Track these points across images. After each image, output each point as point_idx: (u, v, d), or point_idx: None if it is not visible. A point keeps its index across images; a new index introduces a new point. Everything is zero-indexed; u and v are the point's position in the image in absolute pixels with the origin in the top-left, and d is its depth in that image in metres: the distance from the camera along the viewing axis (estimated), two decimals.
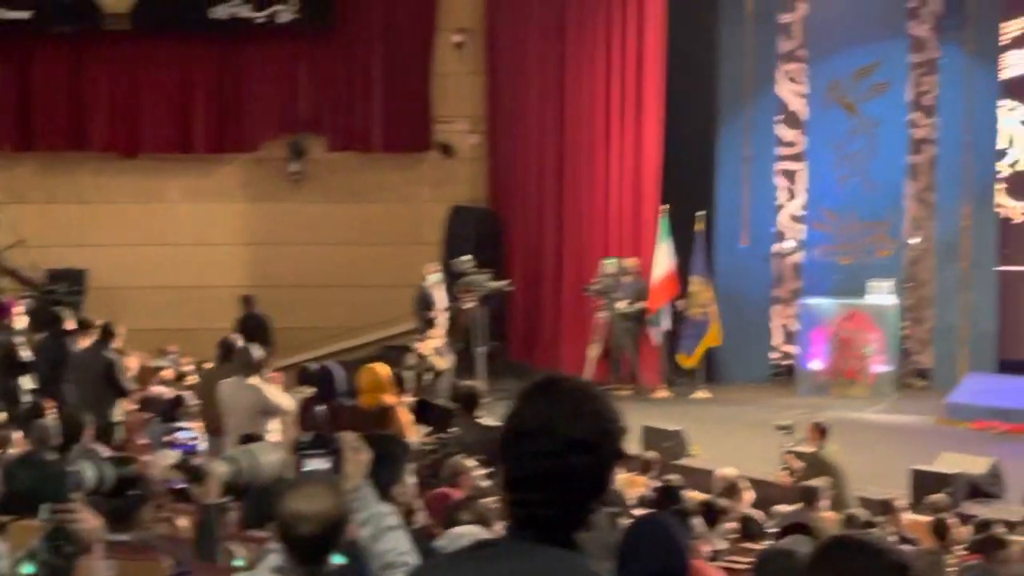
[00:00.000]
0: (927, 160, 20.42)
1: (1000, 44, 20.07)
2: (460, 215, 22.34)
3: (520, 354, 21.71)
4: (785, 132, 20.69)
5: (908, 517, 12.22)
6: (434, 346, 17.44)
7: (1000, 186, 20.22)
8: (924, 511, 12.30)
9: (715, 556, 9.10)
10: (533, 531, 2.99)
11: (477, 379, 16.78)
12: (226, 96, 22.21)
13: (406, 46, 22.42)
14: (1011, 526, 12.03)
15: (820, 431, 14.18)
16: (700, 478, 14.12)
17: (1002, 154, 20.32)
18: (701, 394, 19.44)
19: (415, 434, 11.67)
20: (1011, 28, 20.24)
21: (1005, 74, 20.20)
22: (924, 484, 13.89)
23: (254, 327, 19.33)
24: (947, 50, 20.04)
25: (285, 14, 21.82)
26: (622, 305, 19.15)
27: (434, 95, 22.73)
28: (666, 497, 9.82)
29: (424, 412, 11.19)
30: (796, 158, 20.65)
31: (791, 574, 6.24)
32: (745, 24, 19.97)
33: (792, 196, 20.75)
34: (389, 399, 12.18)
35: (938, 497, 12.64)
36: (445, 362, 17.42)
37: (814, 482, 12.37)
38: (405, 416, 11.94)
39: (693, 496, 10.83)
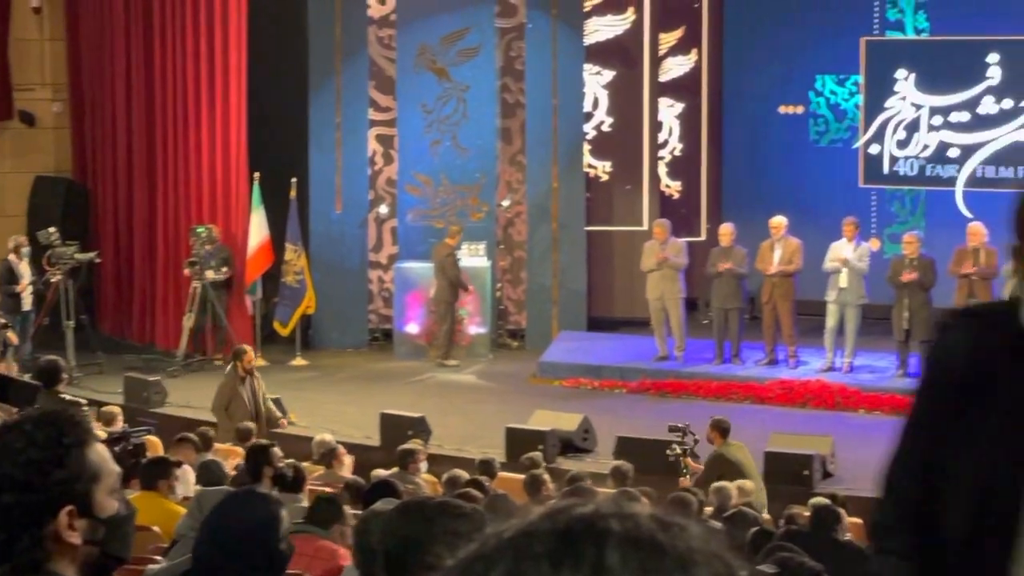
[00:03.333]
0: (519, 124, 20.77)
1: (584, 10, 20.59)
2: (44, 186, 21.52)
3: (112, 327, 21.12)
4: (379, 97, 20.70)
5: (503, 475, 12.41)
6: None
7: (587, 148, 20.81)
8: (518, 468, 12.52)
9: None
10: None
11: (65, 353, 16.24)
12: None
13: None
14: (600, 478, 12.35)
15: (720, 429, 13.28)
16: (298, 445, 14.03)
17: (588, 117, 20.88)
18: (298, 361, 19.31)
19: None
20: None
21: (589, 39, 20.75)
22: (518, 441, 14.15)
23: None
24: (533, 16, 20.40)
25: None
26: (211, 273, 18.82)
27: (13, 62, 21.79)
28: (257, 458, 9.62)
29: (4, 388, 10.69)
30: (390, 124, 20.69)
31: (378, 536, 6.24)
32: None
33: (388, 161, 20.79)
34: None
35: (531, 454, 12.89)
36: (15, 337, 16.82)
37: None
38: None
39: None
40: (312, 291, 19.34)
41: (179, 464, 9.93)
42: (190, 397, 17.11)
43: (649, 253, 18.30)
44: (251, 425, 13.97)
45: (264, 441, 10.99)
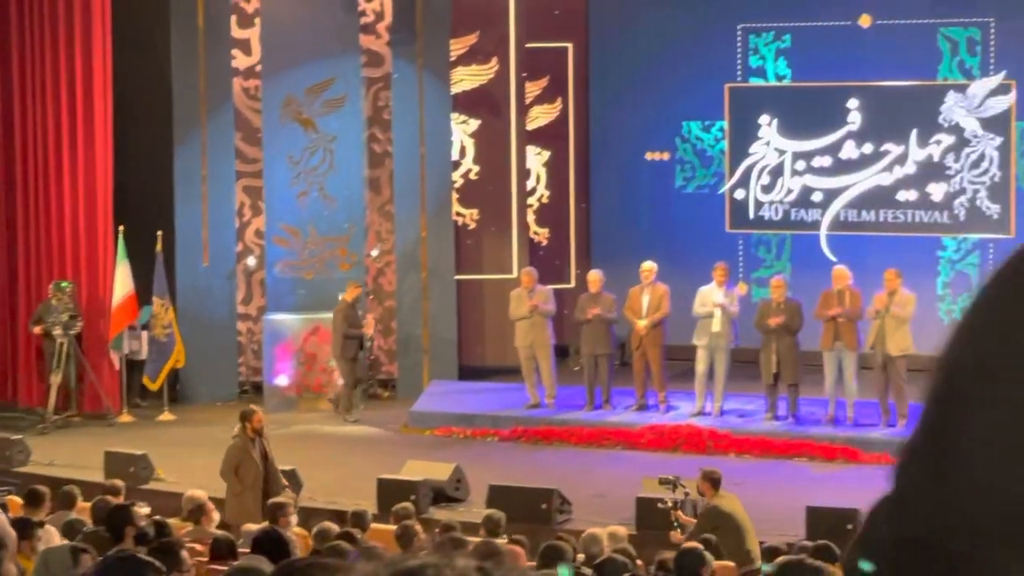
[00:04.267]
0: (387, 173, 20.74)
1: (450, 60, 20.65)
2: None
3: None
4: (246, 148, 20.58)
5: (375, 526, 12.31)
6: None
7: (455, 196, 20.84)
8: (390, 519, 12.43)
9: None
10: None
11: None
12: None
13: None
14: (472, 527, 12.29)
15: (711, 481, 12.62)
16: (168, 501, 13.83)
17: (456, 165, 20.92)
18: (166, 416, 19.06)
19: None
20: (460, 45, 20.87)
21: (456, 88, 20.81)
22: (390, 492, 14.05)
23: None
24: (400, 65, 20.43)
25: None
26: (70, 329, 18.56)
27: None
28: (118, 518, 9.48)
29: None
30: (257, 175, 20.56)
31: None
32: (198, 40, 19.70)
33: (256, 213, 20.66)
34: None
35: (403, 504, 12.80)
36: None
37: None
38: None
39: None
40: (181, 345, 19.11)
41: (41, 524, 9.72)
42: (55, 455, 16.79)
43: (517, 301, 18.33)
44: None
45: (121, 501, 10.81)
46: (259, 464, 13.94)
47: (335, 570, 3.50)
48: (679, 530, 12.66)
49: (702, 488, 12.69)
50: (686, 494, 13.10)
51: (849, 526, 12.23)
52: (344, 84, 20.25)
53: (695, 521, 12.60)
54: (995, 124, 19.91)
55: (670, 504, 12.99)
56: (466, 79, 21.05)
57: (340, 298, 19.05)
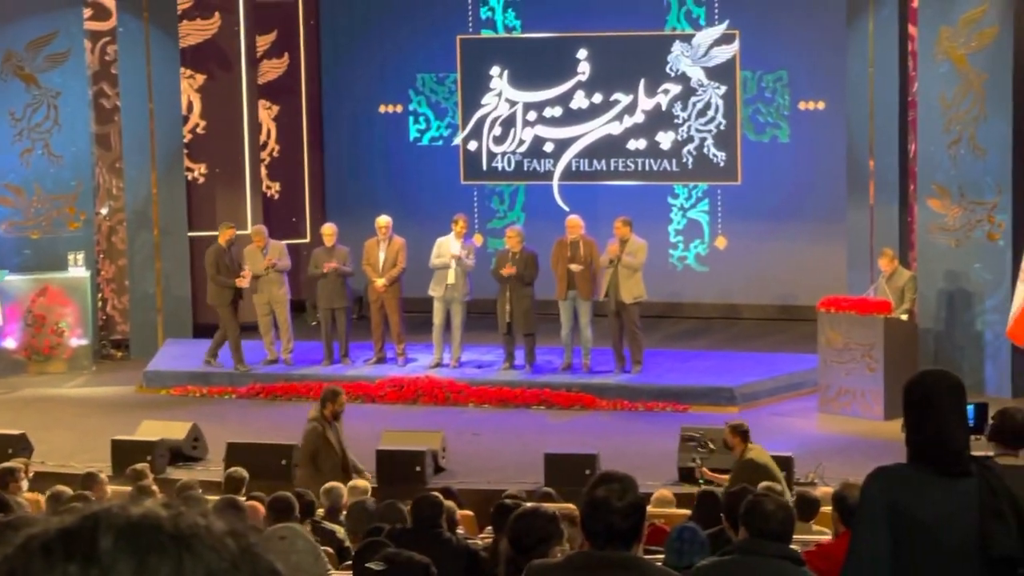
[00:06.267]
0: (116, 129, 20.26)
1: (178, 13, 20.24)
2: None
3: None
4: None
5: (111, 488, 12.08)
6: None
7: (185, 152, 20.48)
8: (126, 480, 12.23)
9: None
10: None
11: None
12: None
13: None
14: (212, 486, 12.16)
15: (740, 433, 11.92)
16: None
17: (185, 120, 20.54)
18: None
19: None
20: None
21: (183, 43, 20.42)
22: (125, 453, 13.82)
23: None
24: (125, 19, 19.93)
25: None
26: None
27: None
28: None
29: None
30: None
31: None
32: None
33: None
34: None
35: (138, 465, 12.59)
36: None
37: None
38: None
39: None
40: None
41: None
42: None
43: (252, 259, 18.13)
44: None
45: None
46: (338, 449, 13.08)
47: (26, 525, 3.40)
48: (702, 486, 11.91)
49: (731, 442, 12.02)
50: (712, 450, 12.55)
51: (587, 471, 12.45)
52: (67, 38, 19.66)
53: (726, 478, 11.77)
54: (720, 73, 20.37)
55: (698, 462, 12.52)
56: (192, 33, 20.66)
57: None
